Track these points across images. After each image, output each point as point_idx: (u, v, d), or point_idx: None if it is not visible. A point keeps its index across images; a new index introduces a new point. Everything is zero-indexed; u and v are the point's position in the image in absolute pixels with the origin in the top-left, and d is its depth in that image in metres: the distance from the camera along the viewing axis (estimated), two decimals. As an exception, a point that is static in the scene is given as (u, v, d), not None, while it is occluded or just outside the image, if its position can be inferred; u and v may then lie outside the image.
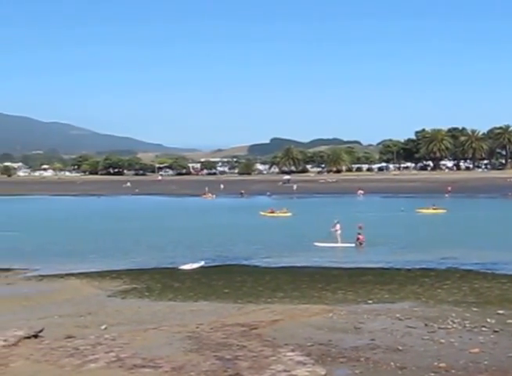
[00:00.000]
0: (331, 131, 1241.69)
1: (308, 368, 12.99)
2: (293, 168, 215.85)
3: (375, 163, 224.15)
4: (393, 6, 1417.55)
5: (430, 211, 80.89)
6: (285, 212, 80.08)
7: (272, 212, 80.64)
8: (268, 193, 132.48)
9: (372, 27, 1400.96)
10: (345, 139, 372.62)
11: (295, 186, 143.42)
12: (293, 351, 14.43)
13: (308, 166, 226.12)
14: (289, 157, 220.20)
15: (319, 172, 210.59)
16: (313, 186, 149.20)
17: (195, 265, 38.48)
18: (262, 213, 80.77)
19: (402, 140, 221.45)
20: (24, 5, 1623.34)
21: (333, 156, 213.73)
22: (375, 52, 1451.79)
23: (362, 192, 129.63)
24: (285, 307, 23.03)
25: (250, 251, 46.59)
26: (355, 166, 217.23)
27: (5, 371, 13.23)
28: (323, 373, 12.92)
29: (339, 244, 48.52)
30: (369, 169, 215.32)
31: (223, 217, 78.28)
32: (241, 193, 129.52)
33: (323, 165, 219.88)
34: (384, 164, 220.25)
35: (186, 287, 31.73)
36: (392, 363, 14.50)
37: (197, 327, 17.46)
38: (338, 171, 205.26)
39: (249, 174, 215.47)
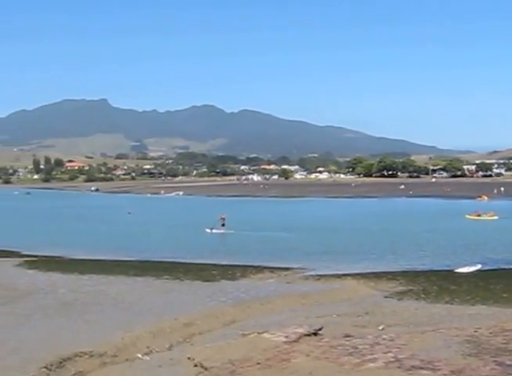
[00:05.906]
0: None
1: None
2: None
3: None
4: None
5: None
6: (491, 216, 78.36)
7: (479, 215, 79.08)
8: None
9: None
10: None
11: None
12: None
13: None
14: None
15: None
16: None
17: (472, 268, 37.77)
18: (468, 216, 79.53)
19: None
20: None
21: None
22: None
23: None
24: None
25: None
26: None
27: (287, 366, 13.98)
28: None
29: None
30: None
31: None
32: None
33: None
34: None
35: (463, 290, 31.24)
36: None
37: (476, 331, 17.18)
38: None
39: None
